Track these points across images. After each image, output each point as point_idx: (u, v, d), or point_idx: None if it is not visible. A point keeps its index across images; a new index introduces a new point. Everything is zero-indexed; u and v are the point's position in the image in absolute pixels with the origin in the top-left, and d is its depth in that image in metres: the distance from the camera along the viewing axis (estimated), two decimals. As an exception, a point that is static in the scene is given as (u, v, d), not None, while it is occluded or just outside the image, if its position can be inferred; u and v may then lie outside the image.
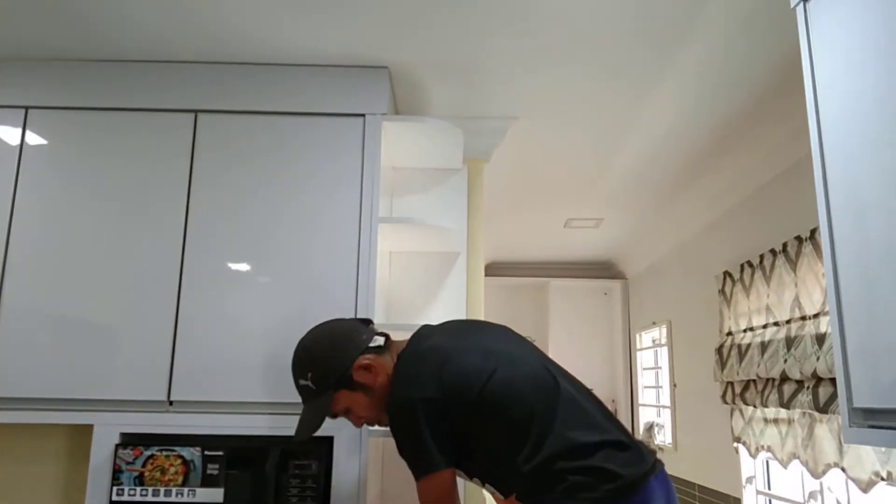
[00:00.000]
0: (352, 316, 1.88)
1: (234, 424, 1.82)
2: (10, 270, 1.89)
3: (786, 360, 2.24)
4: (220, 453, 1.76)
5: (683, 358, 3.75)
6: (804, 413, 2.23)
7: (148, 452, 1.76)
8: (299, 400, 1.81)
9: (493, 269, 5.08)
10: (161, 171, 1.96)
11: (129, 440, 1.79)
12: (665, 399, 4.07)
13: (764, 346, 2.44)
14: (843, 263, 1.24)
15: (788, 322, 2.33)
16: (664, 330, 4.07)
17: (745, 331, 2.69)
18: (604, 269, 5.13)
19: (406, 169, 2.44)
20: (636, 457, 1.44)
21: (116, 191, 1.94)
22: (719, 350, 2.90)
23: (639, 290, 4.73)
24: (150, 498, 1.73)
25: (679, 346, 3.84)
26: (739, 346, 2.67)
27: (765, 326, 2.51)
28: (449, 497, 1.50)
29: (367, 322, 1.67)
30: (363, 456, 1.80)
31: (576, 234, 4.16)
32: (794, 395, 2.20)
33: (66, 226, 1.92)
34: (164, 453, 1.76)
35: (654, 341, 4.39)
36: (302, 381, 1.59)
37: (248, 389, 1.83)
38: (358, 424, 1.64)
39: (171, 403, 1.83)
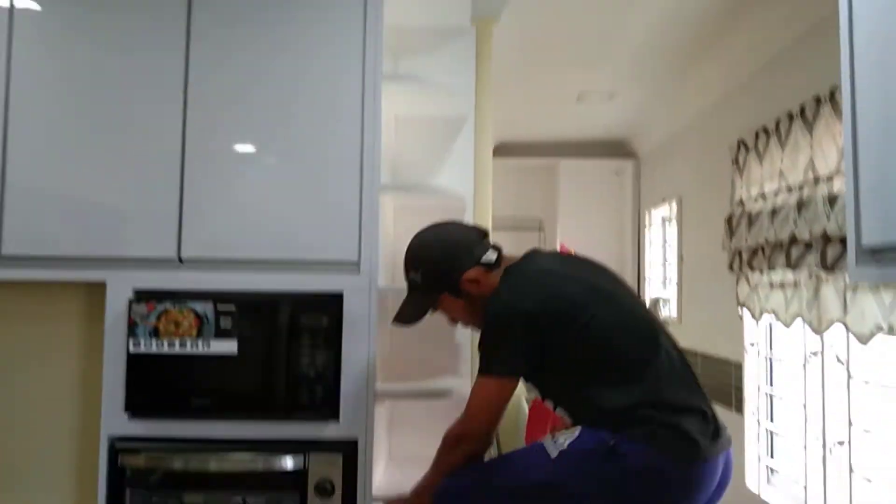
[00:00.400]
0: (353, 178, 1.85)
1: (244, 280, 1.85)
2: (12, 138, 1.85)
3: (796, 224, 2.23)
4: (232, 307, 1.80)
5: (692, 232, 3.75)
6: (811, 275, 2.24)
7: (161, 307, 1.79)
8: (307, 257, 1.84)
9: (501, 151, 5.00)
10: (157, 40, 1.87)
11: (143, 296, 1.83)
12: (672, 274, 4.11)
13: (774, 212, 2.42)
14: (863, 102, 1.20)
15: (801, 187, 2.30)
16: (674, 206, 4.05)
17: (756, 199, 2.66)
18: (615, 149, 5.05)
19: (411, 29, 2.34)
20: (715, 431, 1.51)
21: (113, 64, 1.87)
22: (729, 220, 2.89)
23: (650, 168, 4.68)
24: (166, 350, 1.79)
25: (688, 221, 3.83)
26: (749, 213, 2.66)
27: (776, 193, 2.48)
28: (501, 405, 1.54)
29: (485, 235, 1.72)
30: (372, 310, 1.83)
31: (588, 109, 4.06)
32: (801, 256, 2.21)
33: (63, 97, 1.87)
34: (177, 307, 1.79)
35: (663, 218, 4.38)
36: (412, 274, 1.66)
37: (257, 247, 1.85)
38: (452, 324, 1.74)
39: (181, 261, 1.86)
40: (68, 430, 2.11)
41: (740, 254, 2.77)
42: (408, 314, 1.69)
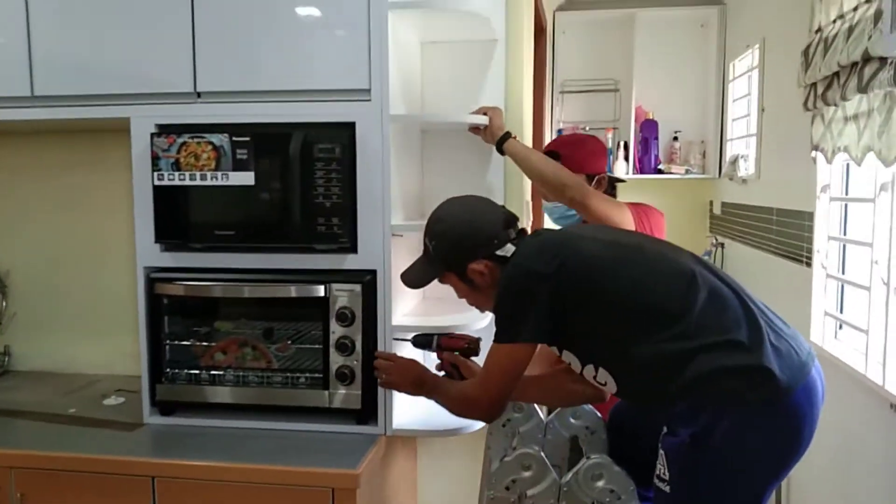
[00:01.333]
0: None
1: (257, 112, 1.84)
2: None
3: (870, 37, 1.96)
4: (247, 139, 1.80)
5: (773, 78, 3.43)
6: (884, 97, 1.99)
7: (180, 139, 1.82)
8: (318, 86, 1.81)
9: (572, 3, 4.68)
10: None
11: (164, 130, 1.86)
12: (753, 128, 3.80)
13: (851, 30, 2.14)
14: None
15: (882, -5, 2.00)
16: (757, 52, 3.69)
17: (834, 21, 2.36)
18: (700, -6, 4.59)
19: None
20: (789, 349, 1.40)
21: None
22: (806, 52, 2.59)
23: (736, 12, 4.25)
24: (188, 181, 1.83)
25: (770, 66, 3.50)
26: (826, 39, 2.36)
27: (855, 9, 2.18)
28: (518, 373, 1.51)
29: (511, 224, 1.61)
30: (386, 139, 1.79)
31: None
32: (874, 75, 1.96)
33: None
34: (196, 140, 1.81)
35: (748, 68, 4.02)
36: (426, 240, 1.65)
37: (268, 78, 1.82)
38: (458, 296, 1.70)
39: (198, 95, 1.86)
40: (122, 265, 2.26)
41: (815, 88, 2.50)
42: (413, 278, 1.69)
